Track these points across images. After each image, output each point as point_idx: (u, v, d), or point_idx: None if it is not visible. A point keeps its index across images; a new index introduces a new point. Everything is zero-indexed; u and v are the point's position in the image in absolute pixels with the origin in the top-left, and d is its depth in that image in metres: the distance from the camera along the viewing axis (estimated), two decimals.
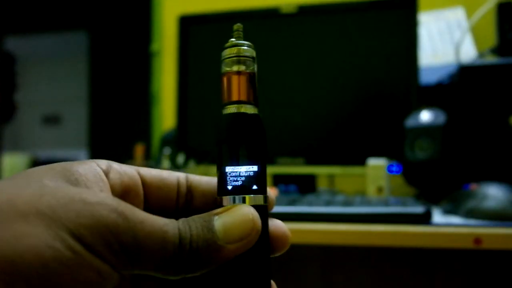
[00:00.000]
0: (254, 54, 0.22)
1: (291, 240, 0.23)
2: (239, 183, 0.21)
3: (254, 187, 0.21)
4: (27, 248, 0.15)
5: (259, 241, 0.20)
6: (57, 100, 3.21)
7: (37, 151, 2.99)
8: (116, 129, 2.93)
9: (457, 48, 0.79)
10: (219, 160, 0.22)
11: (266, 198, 0.22)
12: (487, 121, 0.69)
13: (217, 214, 0.20)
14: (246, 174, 0.21)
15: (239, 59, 0.22)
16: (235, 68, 0.22)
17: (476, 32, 0.90)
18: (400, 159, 0.72)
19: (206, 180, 0.24)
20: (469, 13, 0.93)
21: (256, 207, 0.20)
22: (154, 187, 0.23)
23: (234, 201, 0.21)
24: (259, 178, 0.21)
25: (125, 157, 1.07)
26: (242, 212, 0.20)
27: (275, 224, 0.23)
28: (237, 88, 0.22)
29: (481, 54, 0.86)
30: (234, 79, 0.22)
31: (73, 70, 3.18)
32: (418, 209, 0.53)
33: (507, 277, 0.74)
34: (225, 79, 0.22)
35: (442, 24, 0.95)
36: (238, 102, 0.22)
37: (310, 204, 0.57)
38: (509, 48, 0.77)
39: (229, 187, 0.21)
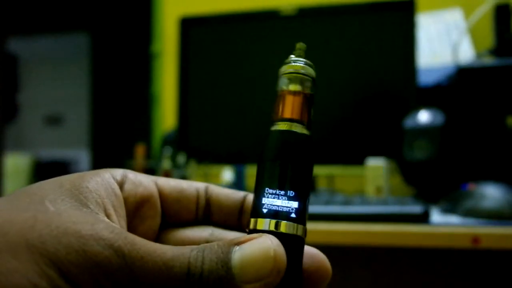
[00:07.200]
0: (313, 74, 0.21)
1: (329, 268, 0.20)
2: (276, 207, 0.19)
3: (293, 215, 0.18)
4: (11, 286, 0.14)
5: (286, 279, 0.17)
6: (59, 101, 3.22)
7: (39, 151, 3.00)
8: (117, 129, 2.94)
9: (455, 49, 0.79)
10: (259, 179, 0.19)
11: (304, 230, 0.19)
12: (485, 122, 0.69)
13: (238, 243, 0.17)
14: (286, 200, 0.19)
15: (296, 77, 0.21)
16: (291, 86, 0.20)
17: (474, 33, 0.91)
18: (399, 159, 0.73)
19: (225, 194, 0.23)
20: (467, 15, 0.94)
21: (290, 237, 0.18)
22: (173, 199, 0.22)
23: (266, 226, 0.18)
24: (300, 206, 0.19)
25: (126, 157, 1.08)
26: (263, 246, 0.17)
27: (312, 255, 0.20)
28: (290, 106, 0.20)
29: (479, 55, 0.86)
30: (289, 97, 0.20)
31: (74, 71, 3.18)
32: (417, 208, 0.53)
33: (505, 276, 0.74)
34: (279, 96, 0.21)
35: (440, 25, 0.96)
36: (290, 120, 0.20)
37: (309, 203, 0.58)
38: (506, 49, 0.77)
39: (264, 210, 0.19)
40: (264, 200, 0.19)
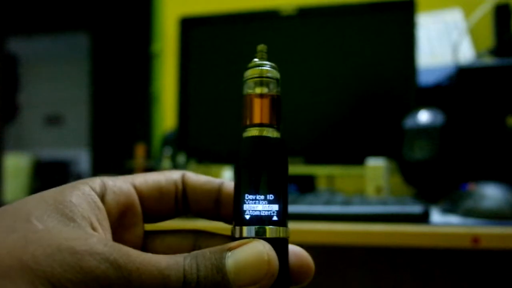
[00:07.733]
0: (278, 75, 0.21)
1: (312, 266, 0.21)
2: (258, 213, 0.19)
3: (275, 218, 0.19)
4: None
5: (277, 280, 0.18)
6: (59, 101, 3.22)
7: (39, 151, 3.00)
8: (117, 129, 2.94)
9: (455, 49, 0.79)
10: (237, 186, 0.20)
11: (287, 230, 0.20)
12: (485, 122, 0.69)
13: (230, 249, 0.18)
14: (266, 204, 0.19)
15: (262, 81, 0.21)
16: (257, 90, 0.21)
17: (474, 33, 0.91)
18: (399, 159, 0.73)
19: (200, 183, 0.23)
20: (467, 15, 0.94)
21: (276, 240, 0.19)
22: (152, 200, 0.22)
23: (251, 233, 0.19)
24: (280, 208, 0.20)
25: (126, 157, 1.08)
26: (256, 250, 0.18)
27: (296, 253, 0.21)
28: (259, 110, 0.20)
29: (479, 55, 0.86)
30: (257, 101, 0.21)
31: (74, 71, 3.19)
32: (417, 208, 0.53)
33: (505, 277, 0.74)
34: (247, 101, 0.21)
35: (440, 25, 0.96)
36: (261, 125, 0.20)
37: (309, 203, 0.58)
38: (506, 49, 0.77)
39: (247, 217, 0.19)
40: (246, 207, 0.19)
